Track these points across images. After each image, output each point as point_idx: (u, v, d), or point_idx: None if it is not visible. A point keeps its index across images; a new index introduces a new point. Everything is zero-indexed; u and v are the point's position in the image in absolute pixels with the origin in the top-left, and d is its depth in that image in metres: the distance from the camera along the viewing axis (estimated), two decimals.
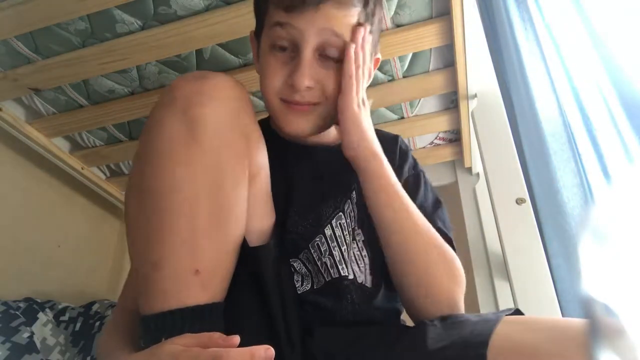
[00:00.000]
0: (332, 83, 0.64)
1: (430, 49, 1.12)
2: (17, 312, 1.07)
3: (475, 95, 1.25)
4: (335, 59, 0.64)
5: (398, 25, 1.05)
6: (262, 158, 0.61)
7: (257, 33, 0.70)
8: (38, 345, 1.05)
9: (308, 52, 0.61)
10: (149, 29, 1.00)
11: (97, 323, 1.22)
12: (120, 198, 1.64)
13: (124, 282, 0.70)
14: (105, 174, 1.60)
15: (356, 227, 0.68)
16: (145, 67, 1.11)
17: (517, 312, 0.57)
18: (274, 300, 0.56)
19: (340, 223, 0.66)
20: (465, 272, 0.67)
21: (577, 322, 0.47)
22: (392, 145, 0.78)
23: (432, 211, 0.72)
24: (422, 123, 1.35)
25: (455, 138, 1.48)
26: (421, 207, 0.68)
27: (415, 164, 0.80)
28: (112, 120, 1.28)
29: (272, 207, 0.63)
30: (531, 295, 1.05)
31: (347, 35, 0.63)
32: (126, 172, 1.57)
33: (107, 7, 0.94)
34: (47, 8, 0.92)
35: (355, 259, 0.66)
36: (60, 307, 1.24)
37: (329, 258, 0.64)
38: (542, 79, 0.99)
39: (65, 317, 1.22)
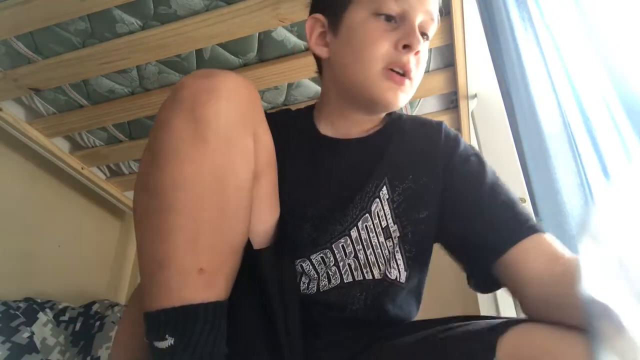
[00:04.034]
0: (423, 58, 0.69)
1: (430, 49, 1.12)
2: (17, 312, 1.07)
3: (475, 95, 1.25)
4: (427, 37, 0.70)
5: None
6: (268, 157, 0.60)
7: (331, 11, 0.70)
8: (38, 345, 1.05)
9: (416, 23, 0.66)
10: (149, 29, 1.00)
11: (97, 323, 1.22)
12: (120, 198, 1.64)
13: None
14: (105, 174, 1.60)
15: (391, 224, 0.64)
16: (145, 67, 1.11)
17: None
18: (276, 304, 0.55)
19: (366, 225, 0.64)
20: None
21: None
22: (434, 129, 0.74)
23: (516, 203, 0.66)
24: None
25: None
26: (493, 193, 0.65)
27: (472, 147, 0.75)
28: (112, 120, 1.28)
29: (277, 206, 0.62)
30: None
31: (437, 20, 0.70)
32: (126, 172, 1.57)
33: (107, 7, 0.94)
34: (47, 8, 0.92)
35: (385, 259, 0.64)
36: (60, 307, 1.24)
37: (353, 260, 0.62)
38: (542, 79, 0.99)
39: (65, 317, 1.22)
